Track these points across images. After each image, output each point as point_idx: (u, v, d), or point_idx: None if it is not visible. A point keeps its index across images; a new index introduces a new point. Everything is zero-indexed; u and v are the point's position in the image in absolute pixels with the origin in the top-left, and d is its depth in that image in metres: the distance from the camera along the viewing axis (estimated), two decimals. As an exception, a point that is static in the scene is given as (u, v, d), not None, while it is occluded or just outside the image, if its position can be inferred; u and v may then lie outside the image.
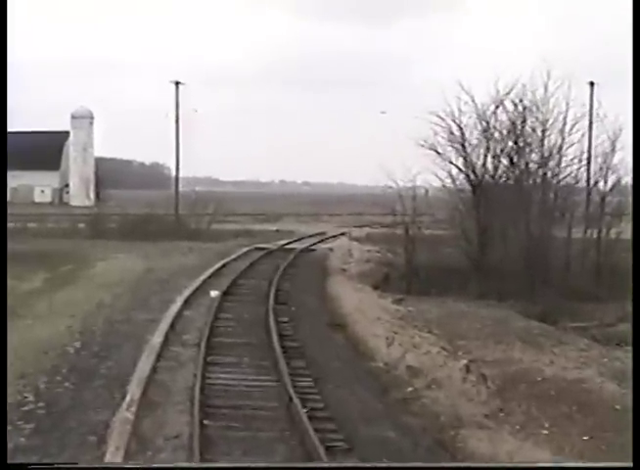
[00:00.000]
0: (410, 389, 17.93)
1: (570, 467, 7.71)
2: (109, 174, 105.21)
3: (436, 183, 38.75)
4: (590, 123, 38.75)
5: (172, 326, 21.65)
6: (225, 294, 27.62)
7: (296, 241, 48.61)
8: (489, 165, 34.07)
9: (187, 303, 25.53)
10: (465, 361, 20.22)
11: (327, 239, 51.03)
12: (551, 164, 35.66)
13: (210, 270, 33.34)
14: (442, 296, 32.83)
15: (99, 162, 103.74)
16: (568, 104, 35.53)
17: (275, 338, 20.80)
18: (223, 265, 35.48)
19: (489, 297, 32.01)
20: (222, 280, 30.91)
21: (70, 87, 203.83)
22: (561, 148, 35.45)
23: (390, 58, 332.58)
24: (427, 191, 43.80)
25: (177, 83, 59.95)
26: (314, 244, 47.29)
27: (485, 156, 33.77)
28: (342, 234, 54.49)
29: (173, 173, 65.17)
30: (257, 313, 24.60)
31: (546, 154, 35.35)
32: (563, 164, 35.82)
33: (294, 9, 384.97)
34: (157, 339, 19.83)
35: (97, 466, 8.71)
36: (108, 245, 44.00)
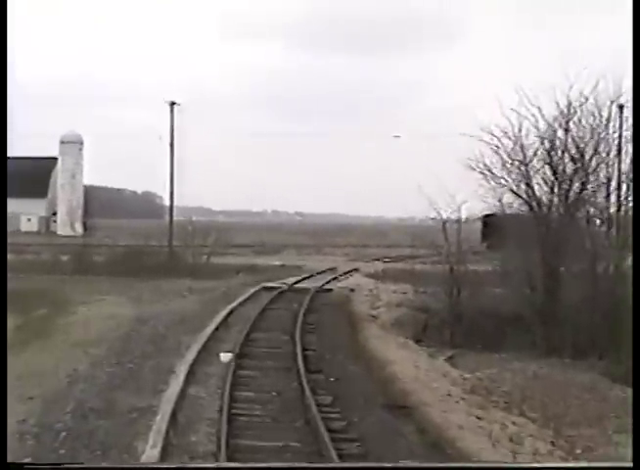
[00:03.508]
0: None
1: (570, 467, 7.00)
2: (98, 203, 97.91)
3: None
4: (619, 150, 31.24)
5: (173, 421, 14.33)
6: (239, 356, 20.42)
7: (306, 278, 41.31)
8: (556, 193, 26.93)
9: (191, 373, 18.26)
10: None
11: (340, 276, 43.71)
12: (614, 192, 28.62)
13: (216, 319, 26.08)
14: (499, 351, 25.77)
15: (89, 190, 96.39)
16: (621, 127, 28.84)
17: (325, 436, 13.66)
18: (230, 312, 28.20)
19: (561, 354, 24.91)
20: (232, 334, 23.72)
21: (59, 112, 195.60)
22: (627, 175, 28.39)
23: (389, 86, 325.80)
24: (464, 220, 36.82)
25: (172, 104, 52.84)
26: (328, 282, 39.99)
27: (553, 181, 26.63)
28: (355, 270, 47.28)
29: (165, 202, 58.48)
30: (287, 390, 17.44)
31: (612, 181, 28.33)
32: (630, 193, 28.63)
33: (286, 37, 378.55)
34: (151, 451, 12.48)
35: (103, 466, 7.44)
36: (93, 283, 36.65)
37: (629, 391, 20.63)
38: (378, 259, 55.87)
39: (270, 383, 18.09)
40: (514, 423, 16.73)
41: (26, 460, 10.80)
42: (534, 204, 27.46)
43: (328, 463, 11.20)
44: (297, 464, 10.22)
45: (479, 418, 16.73)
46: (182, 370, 18.31)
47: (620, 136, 29.55)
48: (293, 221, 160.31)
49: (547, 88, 26.59)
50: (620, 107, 28.69)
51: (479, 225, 45.27)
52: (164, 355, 20.04)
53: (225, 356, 20.04)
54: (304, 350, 21.79)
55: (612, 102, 27.56)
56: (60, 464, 3.88)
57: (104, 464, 9.42)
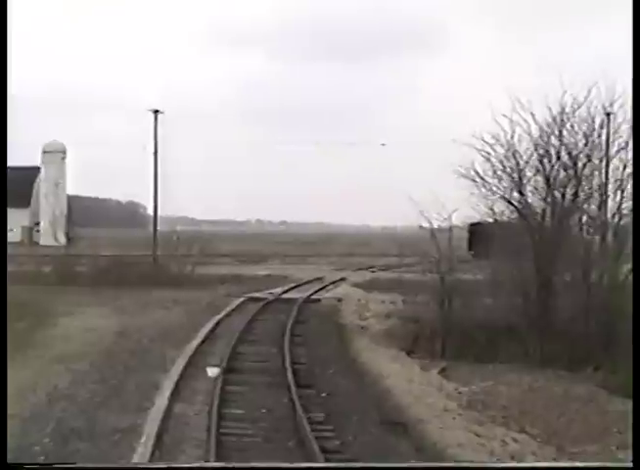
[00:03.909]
0: None
1: (570, 467, 6.43)
2: (82, 213, 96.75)
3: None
4: (607, 160, 30.36)
5: (159, 442, 13.47)
6: (227, 371, 19.58)
7: (293, 288, 40.47)
8: (549, 201, 26.17)
9: (177, 389, 17.40)
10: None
11: (327, 286, 42.83)
12: (610, 200, 27.85)
13: (202, 332, 25.24)
14: (492, 362, 24.96)
15: (72, 200, 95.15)
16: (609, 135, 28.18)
17: (319, 458, 12.88)
18: (217, 324, 27.35)
19: (555, 365, 24.05)
20: (219, 347, 22.89)
21: (41, 121, 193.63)
22: (622, 182, 27.64)
23: (373, 95, 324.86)
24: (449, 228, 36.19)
25: (156, 112, 52.06)
26: (316, 292, 39.14)
27: (546, 189, 25.86)
28: (342, 279, 46.41)
29: (149, 212, 57.56)
30: (278, 407, 16.62)
31: (605, 189, 27.59)
32: (625, 200, 27.90)
33: (270, 48, 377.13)
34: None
35: (96, 466, 7.18)
36: (75, 294, 35.65)
37: (629, 403, 19.96)
38: (364, 269, 55.08)
39: (260, 399, 17.27)
40: (514, 440, 15.98)
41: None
42: (527, 212, 26.71)
43: (328, 463, 10.98)
44: (297, 464, 10.06)
45: (477, 435, 15.96)
46: (167, 386, 17.46)
47: (608, 144, 28.83)
48: (277, 230, 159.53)
49: (539, 96, 25.93)
50: (608, 114, 28.00)
51: (465, 234, 44.60)
52: (149, 371, 19.17)
53: (212, 371, 19.22)
54: (294, 363, 21.00)
55: (604, 108, 26.90)
56: (52, 464, 3.87)
57: (94, 465, 8.81)
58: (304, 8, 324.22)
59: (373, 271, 52.41)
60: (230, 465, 8.17)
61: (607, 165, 27.69)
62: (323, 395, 18.09)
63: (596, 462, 12.69)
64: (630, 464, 4.62)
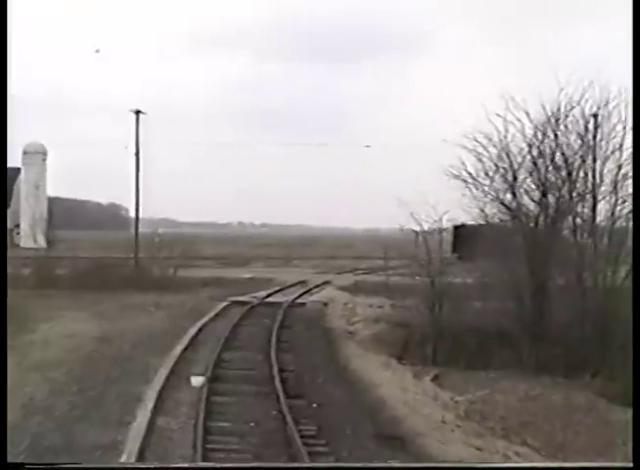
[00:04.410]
0: None
1: (570, 467, 6.78)
2: (63, 215, 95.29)
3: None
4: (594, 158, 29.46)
5: (141, 460, 12.43)
6: (212, 380, 18.56)
7: (277, 292, 39.43)
8: (542, 202, 25.26)
9: (160, 401, 16.36)
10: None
11: (312, 289, 41.78)
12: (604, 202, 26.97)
13: (185, 338, 24.18)
14: (485, 369, 24.05)
15: (53, 201, 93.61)
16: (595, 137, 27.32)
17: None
18: (200, 329, 26.30)
19: (551, 371, 23.16)
20: (203, 354, 21.86)
21: (22, 122, 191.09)
22: (616, 184, 26.76)
23: (354, 98, 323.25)
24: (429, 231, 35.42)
25: (138, 112, 50.83)
26: (300, 295, 38.12)
27: (543, 190, 24.95)
28: (327, 282, 45.36)
29: (131, 214, 56.46)
30: (267, 419, 15.64)
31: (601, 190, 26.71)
32: (619, 202, 27.00)
33: (255, 49, 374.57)
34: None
35: (100, 466, 7.15)
36: (55, 297, 34.48)
37: (629, 412, 19.08)
38: (349, 271, 54.09)
39: (247, 411, 16.27)
40: (517, 453, 15.08)
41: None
42: (519, 214, 25.80)
43: (328, 463, 10.76)
44: (297, 464, 10.62)
45: (479, 449, 15.05)
46: (150, 397, 16.42)
47: (595, 146, 27.92)
48: (259, 233, 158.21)
49: (533, 96, 25.09)
50: (595, 115, 27.12)
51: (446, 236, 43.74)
52: (130, 380, 18.11)
53: (196, 380, 18.22)
54: (281, 371, 20.02)
55: (598, 109, 26.09)
56: (54, 464, 3.81)
57: (98, 465, 8.77)
58: (289, 9, 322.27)
59: (357, 274, 51.39)
60: (230, 465, 8.13)
61: (593, 166, 26.75)
62: (314, 405, 17.12)
63: (596, 462, 12.54)
64: (630, 464, 4.54)
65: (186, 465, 9.51)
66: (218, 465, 8.63)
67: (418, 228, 28.27)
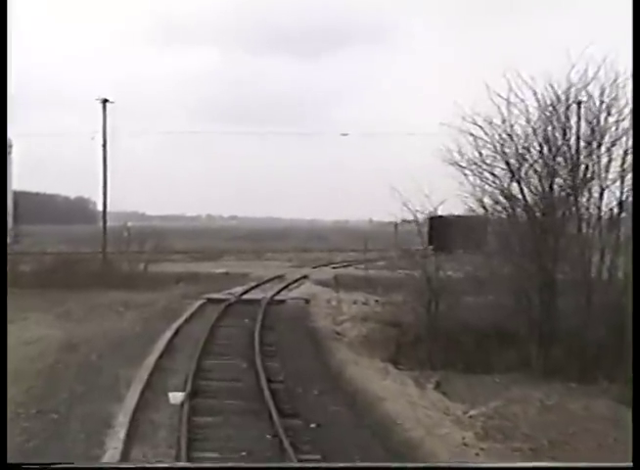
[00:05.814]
0: None
1: (570, 467, 6.25)
2: (29, 209, 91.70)
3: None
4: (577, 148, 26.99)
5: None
6: (193, 395, 15.88)
7: (254, 288, 36.72)
8: (546, 192, 22.73)
9: (134, 424, 13.64)
10: None
11: (290, 284, 39.07)
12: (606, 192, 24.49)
13: (160, 343, 21.43)
14: (488, 373, 21.61)
15: (18, 196, 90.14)
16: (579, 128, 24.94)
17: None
18: (176, 332, 23.55)
19: (564, 376, 20.68)
20: (181, 363, 19.16)
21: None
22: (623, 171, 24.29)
23: (322, 91, 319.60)
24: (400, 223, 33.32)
25: (105, 101, 47.80)
26: (279, 292, 35.41)
27: (552, 177, 22.40)
28: (305, 277, 42.65)
29: (99, 208, 53.32)
30: (261, 447, 13.02)
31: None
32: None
33: (223, 42, 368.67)
34: None
35: (94, 466, 7.03)
36: (17, 297, 31.23)
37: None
38: (325, 265, 51.45)
39: (237, 435, 13.63)
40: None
41: None
42: (522, 204, 23.26)
43: (329, 463, 10.67)
44: (297, 464, 10.50)
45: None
46: (122, 421, 13.69)
47: (579, 137, 25.41)
48: (228, 225, 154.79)
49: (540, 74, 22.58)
50: (579, 103, 24.63)
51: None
52: (99, 398, 15.34)
53: (175, 397, 15.51)
54: (270, 381, 17.40)
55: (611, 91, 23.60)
56: (51, 464, 3.72)
57: (94, 465, 8.85)
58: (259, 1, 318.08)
59: (335, 268, 48.78)
60: (231, 465, 8.09)
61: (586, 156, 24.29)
62: (312, 426, 14.49)
63: (596, 462, 10.63)
64: (630, 464, 4.44)
65: (180, 465, 9.08)
66: (218, 465, 8.35)
67: (395, 220, 25.65)
